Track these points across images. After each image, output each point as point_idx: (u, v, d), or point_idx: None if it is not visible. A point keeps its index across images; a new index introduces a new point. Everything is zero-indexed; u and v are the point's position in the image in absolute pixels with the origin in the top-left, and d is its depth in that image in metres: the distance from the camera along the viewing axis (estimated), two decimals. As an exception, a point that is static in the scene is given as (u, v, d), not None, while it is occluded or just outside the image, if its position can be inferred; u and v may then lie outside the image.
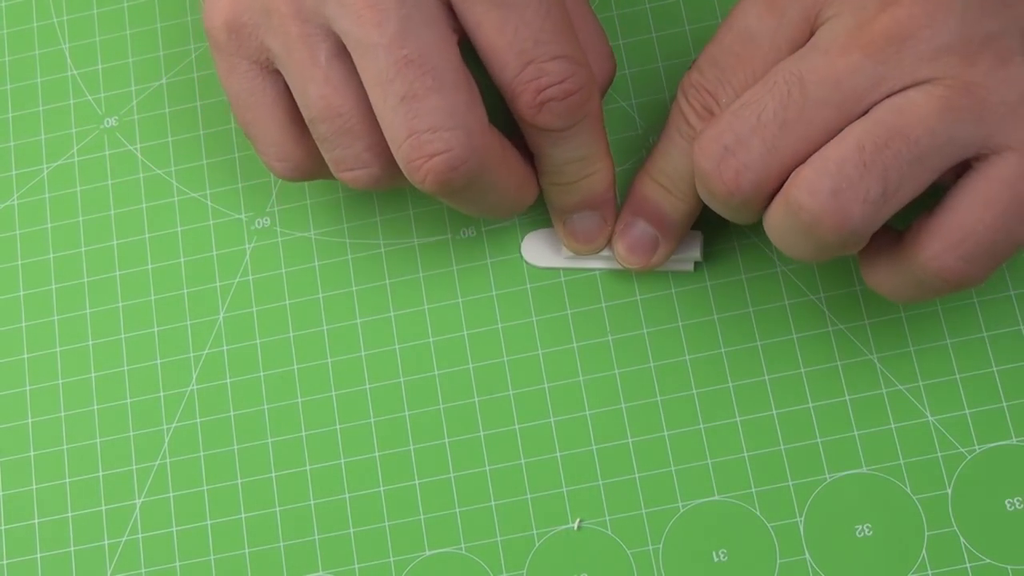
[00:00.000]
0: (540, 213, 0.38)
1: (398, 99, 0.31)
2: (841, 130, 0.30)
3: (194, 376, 0.38)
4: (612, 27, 0.40)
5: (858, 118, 0.30)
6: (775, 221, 0.31)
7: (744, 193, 0.30)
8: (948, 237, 0.30)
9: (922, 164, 0.29)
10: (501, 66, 0.32)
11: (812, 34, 0.31)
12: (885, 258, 0.32)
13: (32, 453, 0.38)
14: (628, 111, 0.39)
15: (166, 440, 0.38)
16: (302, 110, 0.33)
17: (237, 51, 0.34)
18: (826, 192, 0.29)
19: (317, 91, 0.32)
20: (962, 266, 0.30)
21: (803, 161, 0.30)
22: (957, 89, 0.29)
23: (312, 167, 0.35)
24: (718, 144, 0.30)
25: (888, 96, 0.29)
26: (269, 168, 0.36)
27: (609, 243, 0.37)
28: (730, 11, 0.33)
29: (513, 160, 0.34)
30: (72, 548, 0.37)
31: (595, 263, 0.38)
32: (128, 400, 0.38)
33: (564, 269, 0.38)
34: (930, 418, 0.36)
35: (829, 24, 0.31)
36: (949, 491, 0.35)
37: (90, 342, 0.39)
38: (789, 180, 0.30)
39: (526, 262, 0.38)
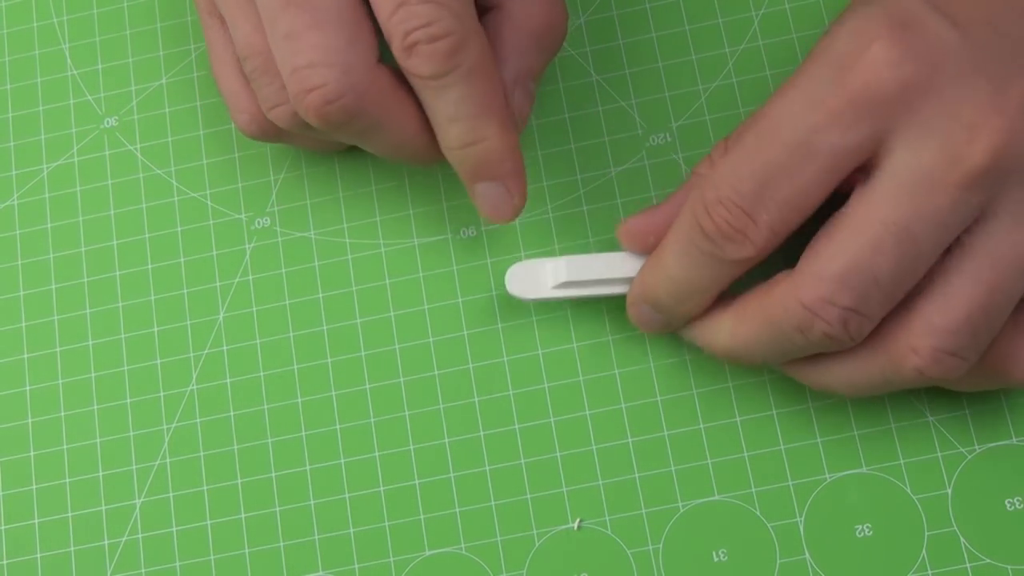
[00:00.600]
0: (540, 213, 0.38)
1: (281, 36, 0.32)
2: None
3: (194, 376, 0.38)
4: (612, 27, 0.40)
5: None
6: (867, 378, 0.32)
7: (859, 338, 0.30)
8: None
9: (1012, 303, 0.30)
10: (378, 9, 0.32)
11: (876, 155, 0.30)
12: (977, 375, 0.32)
13: (32, 453, 0.38)
14: (628, 111, 0.39)
15: (166, 440, 0.38)
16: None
17: (204, 7, 0.36)
18: (946, 360, 0.30)
19: (241, 31, 0.34)
20: None
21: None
22: None
23: (266, 121, 0.36)
24: (836, 308, 0.30)
25: (978, 224, 0.29)
26: (234, 122, 0.37)
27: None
28: (767, 112, 0.31)
29: (410, 103, 0.34)
30: (72, 548, 0.37)
31: (581, 291, 0.36)
32: (128, 400, 0.38)
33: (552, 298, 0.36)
34: (930, 418, 0.36)
35: (913, 155, 0.29)
36: (949, 491, 0.35)
37: (90, 342, 0.39)
38: (898, 348, 0.30)
39: (511, 295, 0.37)
